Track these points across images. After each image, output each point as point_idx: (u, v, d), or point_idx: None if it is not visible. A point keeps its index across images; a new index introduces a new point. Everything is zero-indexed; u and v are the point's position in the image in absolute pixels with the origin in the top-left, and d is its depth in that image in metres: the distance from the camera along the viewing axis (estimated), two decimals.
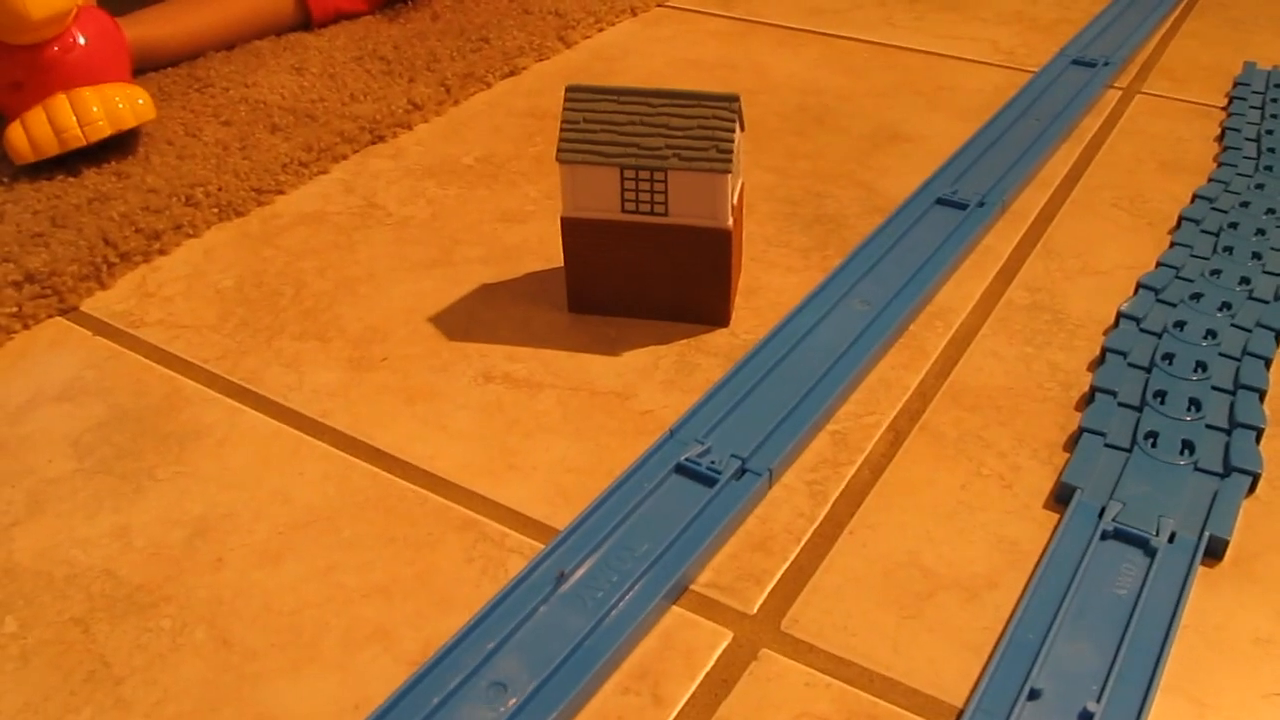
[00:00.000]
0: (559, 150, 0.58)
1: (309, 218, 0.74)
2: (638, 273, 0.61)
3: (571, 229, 0.60)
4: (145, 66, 0.91)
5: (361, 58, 0.95)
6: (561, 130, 0.58)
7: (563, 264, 0.63)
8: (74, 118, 0.75)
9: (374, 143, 0.84)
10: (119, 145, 0.80)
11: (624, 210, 0.59)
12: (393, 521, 0.50)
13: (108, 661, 0.44)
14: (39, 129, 0.75)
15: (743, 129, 0.60)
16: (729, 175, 0.57)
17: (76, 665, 0.44)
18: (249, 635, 0.45)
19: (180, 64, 0.94)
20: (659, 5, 1.13)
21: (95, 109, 0.76)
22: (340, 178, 0.79)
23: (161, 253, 0.70)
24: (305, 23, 1.02)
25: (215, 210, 0.74)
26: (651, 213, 0.59)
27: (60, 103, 0.76)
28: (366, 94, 0.89)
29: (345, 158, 0.82)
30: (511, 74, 0.96)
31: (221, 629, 0.45)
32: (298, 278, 0.68)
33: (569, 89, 0.59)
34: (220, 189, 0.75)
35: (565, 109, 0.59)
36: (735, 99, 0.58)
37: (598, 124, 0.58)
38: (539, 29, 1.03)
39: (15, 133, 0.75)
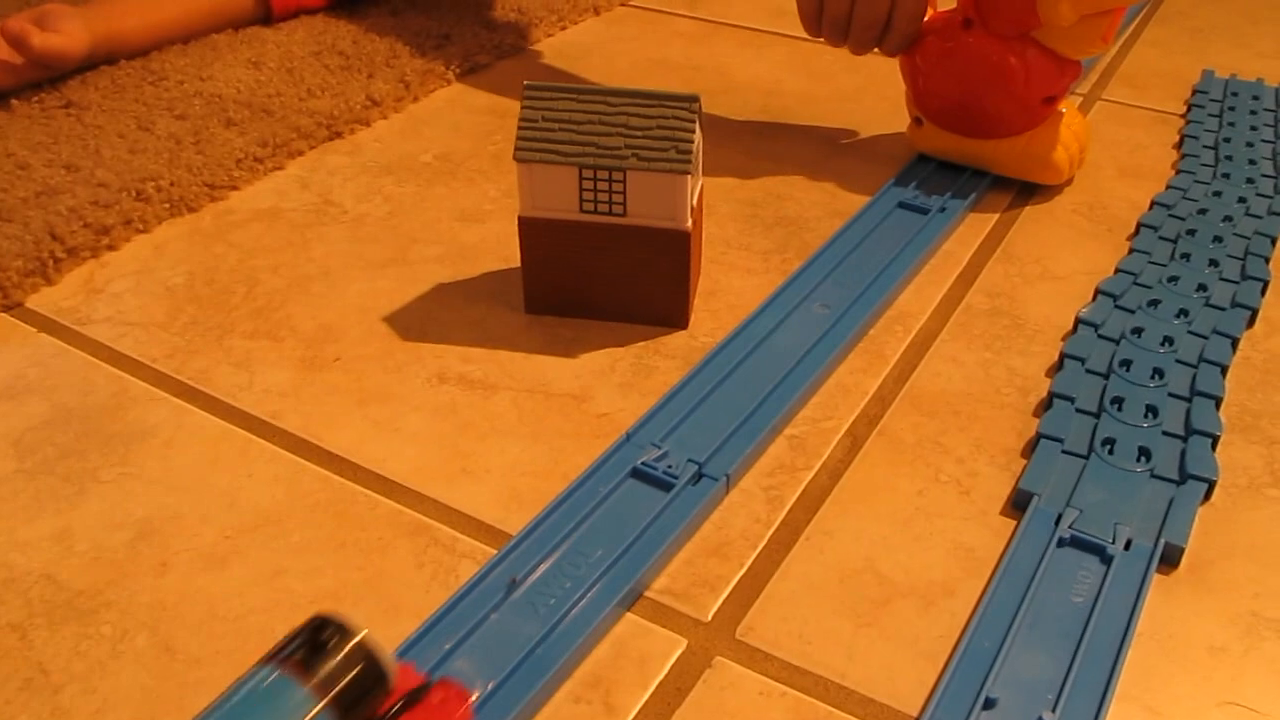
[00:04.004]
0: (516, 149, 0.57)
1: (263, 214, 0.73)
2: (596, 273, 0.60)
3: (529, 229, 0.60)
4: (104, 60, 0.90)
5: (320, 52, 0.94)
6: (519, 129, 0.58)
7: (520, 264, 0.62)
8: None
9: (331, 139, 0.83)
10: (69, 138, 0.78)
11: (582, 210, 0.59)
12: (343, 525, 0.49)
13: (45, 669, 0.43)
14: None
15: (703, 129, 0.59)
16: (688, 176, 0.57)
17: (13, 673, 0.43)
18: (192, 642, 0.44)
19: (135, 57, 0.92)
20: (623, 4, 1.12)
21: None
22: (296, 174, 0.78)
23: (110, 248, 0.69)
24: (265, 17, 1.01)
25: (167, 205, 0.72)
26: (610, 213, 0.58)
27: None
28: (324, 89, 0.88)
29: (301, 154, 0.81)
30: (472, 71, 0.95)
31: (164, 635, 0.44)
32: (250, 275, 0.67)
33: (527, 87, 0.58)
34: (173, 184, 0.74)
35: (523, 107, 0.58)
36: (695, 99, 0.57)
37: (556, 123, 0.58)
38: (501, 26, 1.02)
39: None
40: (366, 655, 0.35)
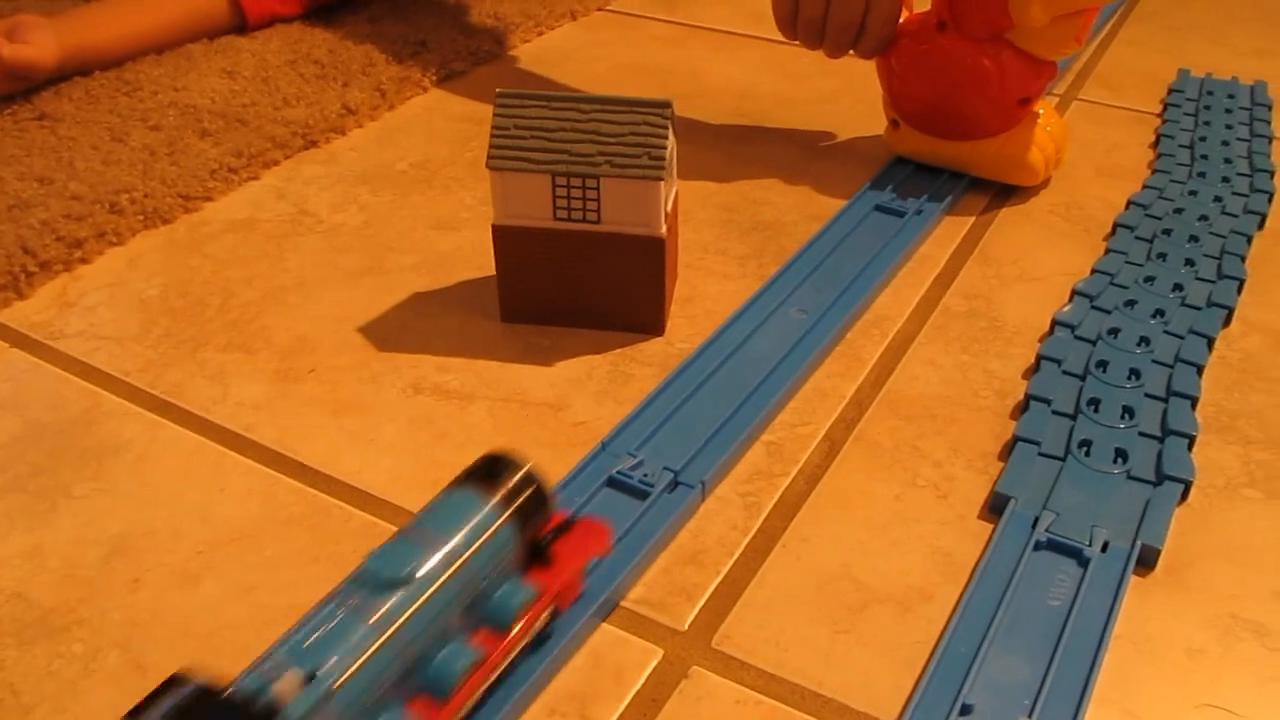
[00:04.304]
0: (489, 157, 0.57)
1: (238, 225, 0.73)
2: (571, 281, 0.60)
3: (503, 237, 0.59)
4: (77, 71, 0.89)
5: (295, 61, 0.93)
6: (492, 137, 0.57)
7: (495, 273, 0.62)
8: None
9: (307, 148, 0.82)
10: (42, 150, 0.77)
11: (556, 218, 0.58)
12: (317, 539, 0.49)
13: (16, 689, 0.42)
14: None
15: (676, 135, 0.59)
16: (662, 182, 0.56)
17: None
18: (165, 659, 0.43)
19: (109, 67, 0.91)
20: (599, 9, 1.12)
21: None
22: (271, 184, 0.78)
23: (84, 261, 0.68)
24: (240, 25, 1.01)
25: (141, 217, 0.72)
26: (584, 220, 0.58)
27: None
28: (300, 98, 0.87)
29: (277, 163, 0.80)
30: (449, 78, 0.95)
31: (136, 653, 0.44)
32: (225, 287, 0.66)
33: (499, 94, 0.58)
34: (146, 195, 0.73)
35: (495, 115, 0.58)
36: (667, 104, 0.57)
37: (529, 130, 0.57)
38: (478, 33, 1.02)
39: None
40: (535, 482, 0.41)
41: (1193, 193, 0.76)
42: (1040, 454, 0.53)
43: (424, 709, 0.36)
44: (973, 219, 0.74)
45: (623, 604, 0.46)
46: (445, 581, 0.37)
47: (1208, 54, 1.03)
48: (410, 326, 0.63)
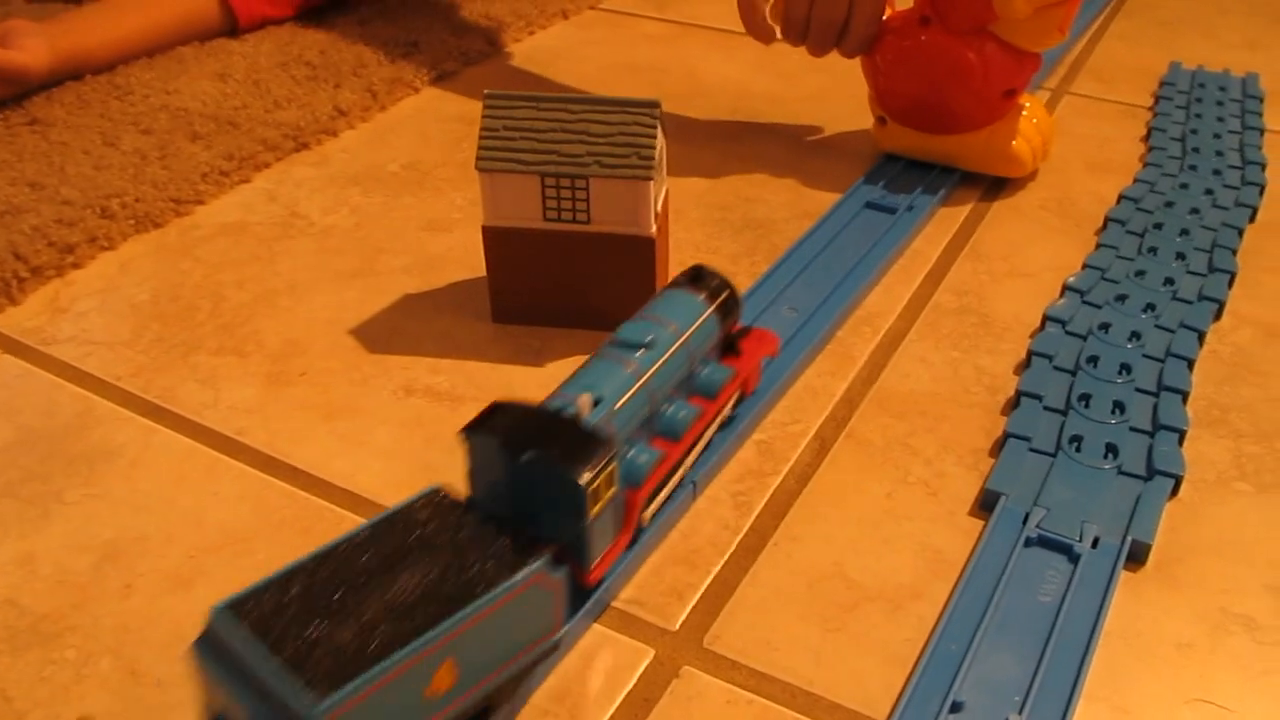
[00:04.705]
0: (478, 159, 0.57)
1: (229, 228, 0.73)
2: (561, 281, 0.60)
3: (493, 238, 0.59)
4: (68, 76, 0.89)
5: (286, 63, 0.93)
6: (480, 138, 0.57)
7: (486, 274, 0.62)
8: None
9: (298, 150, 0.82)
10: (34, 155, 0.77)
11: (546, 219, 0.58)
12: (309, 542, 0.49)
13: (9, 696, 0.42)
14: None
15: (665, 134, 0.59)
16: (651, 182, 0.56)
17: None
18: (157, 665, 0.44)
19: (101, 72, 0.91)
20: (591, 8, 1.12)
21: None
22: (263, 187, 0.78)
23: (75, 266, 0.68)
24: (232, 28, 1.00)
25: (132, 222, 0.72)
26: (574, 221, 0.58)
27: None
28: (291, 100, 0.87)
29: (268, 166, 0.80)
30: (440, 79, 0.95)
31: (129, 659, 0.44)
32: (216, 291, 0.66)
33: (487, 95, 0.58)
34: (138, 200, 0.73)
35: (484, 116, 0.58)
36: (656, 104, 0.57)
37: (517, 131, 0.57)
38: (469, 33, 1.02)
39: None
40: (730, 287, 0.53)
41: (1184, 186, 0.76)
42: (1031, 450, 0.53)
43: (662, 445, 0.47)
44: (964, 215, 0.74)
45: (614, 604, 0.46)
46: (674, 350, 0.48)
47: (1199, 47, 1.03)
48: (401, 328, 0.63)
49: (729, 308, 0.52)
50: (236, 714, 0.34)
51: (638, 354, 0.47)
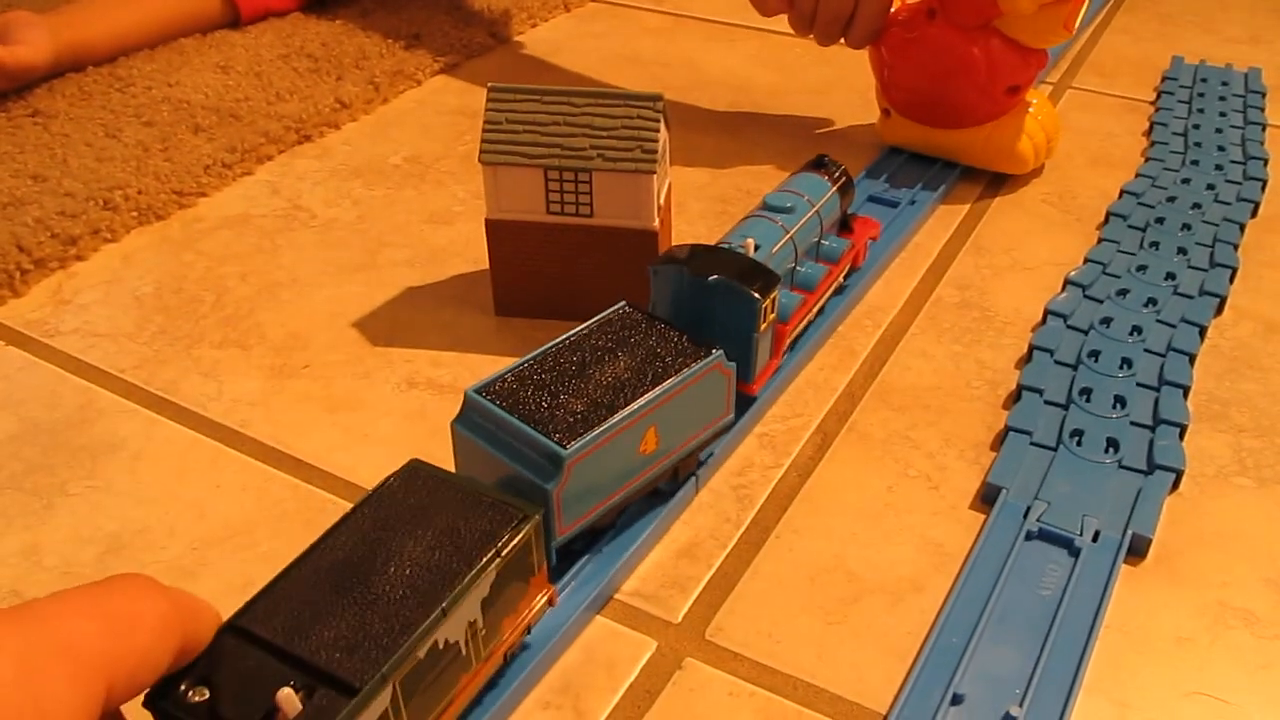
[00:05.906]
0: (481, 152, 0.57)
1: (232, 221, 0.73)
2: (564, 275, 0.60)
3: (496, 231, 0.60)
4: (70, 68, 0.89)
5: (289, 55, 0.93)
6: (484, 131, 0.58)
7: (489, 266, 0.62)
8: None
9: (300, 143, 0.82)
10: (36, 147, 0.77)
11: (549, 211, 0.58)
12: (312, 534, 0.49)
13: None
14: None
15: (669, 127, 0.59)
16: (654, 176, 0.57)
17: None
18: None
19: (103, 64, 0.91)
20: (593, 0, 1.12)
21: None
22: (265, 179, 0.78)
23: (78, 258, 0.69)
24: (234, 20, 1.01)
25: (135, 214, 0.72)
26: (577, 214, 0.58)
27: None
28: (293, 93, 0.87)
29: (270, 158, 0.80)
30: (442, 71, 0.95)
31: None
32: (219, 283, 0.66)
33: (491, 88, 0.58)
34: (140, 192, 0.73)
35: (487, 109, 0.58)
36: (659, 98, 0.57)
37: (521, 124, 0.57)
38: (471, 25, 1.02)
39: None
40: (848, 174, 0.61)
41: (1186, 180, 0.76)
42: (1032, 444, 0.53)
43: (800, 294, 0.57)
44: (966, 209, 0.74)
45: (616, 597, 0.46)
46: (809, 217, 0.57)
47: (1201, 41, 1.03)
48: (404, 321, 0.63)
49: (846, 190, 0.61)
50: (494, 470, 0.42)
51: (782, 216, 0.56)
